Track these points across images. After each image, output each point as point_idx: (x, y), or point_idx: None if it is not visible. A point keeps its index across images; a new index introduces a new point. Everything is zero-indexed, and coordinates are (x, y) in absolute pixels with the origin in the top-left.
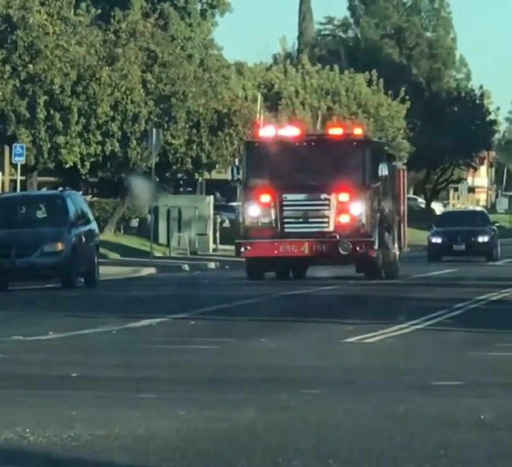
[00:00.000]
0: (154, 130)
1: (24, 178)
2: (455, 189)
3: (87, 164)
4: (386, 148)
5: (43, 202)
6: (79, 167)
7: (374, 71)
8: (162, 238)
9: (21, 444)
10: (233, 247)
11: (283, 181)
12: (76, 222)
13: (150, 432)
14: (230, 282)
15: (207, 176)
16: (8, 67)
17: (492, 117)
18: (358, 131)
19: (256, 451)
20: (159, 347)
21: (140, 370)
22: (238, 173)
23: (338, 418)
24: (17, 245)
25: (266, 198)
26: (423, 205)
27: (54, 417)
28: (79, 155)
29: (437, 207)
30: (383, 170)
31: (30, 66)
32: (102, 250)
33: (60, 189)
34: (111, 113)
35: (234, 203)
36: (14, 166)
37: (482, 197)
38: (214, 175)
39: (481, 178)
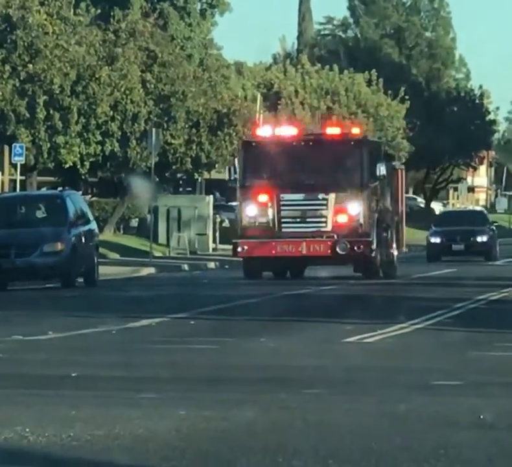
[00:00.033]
0: (154, 129)
1: (23, 177)
2: (455, 189)
3: (87, 164)
4: (384, 147)
5: (42, 202)
6: (78, 166)
7: (373, 70)
8: (161, 238)
9: (20, 444)
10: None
11: (280, 180)
12: (75, 222)
13: (149, 431)
14: (229, 282)
15: (206, 175)
16: (7, 67)
17: (491, 116)
18: (355, 130)
19: (256, 451)
20: (159, 347)
21: (140, 370)
22: (235, 173)
23: (338, 417)
24: (17, 245)
25: (263, 197)
26: (423, 205)
27: (53, 417)
28: (78, 155)
29: (437, 207)
30: (381, 169)
31: (30, 66)
32: (101, 250)
33: (60, 188)
34: (111, 113)
35: (233, 203)
36: (14, 166)
37: (482, 197)
38: (214, 175)
39: (481, 177)
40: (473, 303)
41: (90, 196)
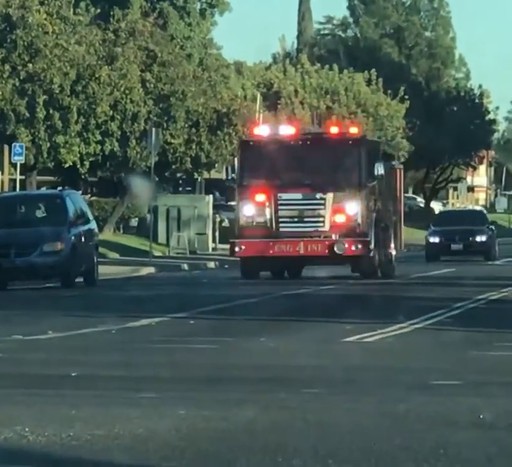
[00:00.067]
0: (153, 129)
1: (23, 177)
2: (455, 189)
3: (87, 163)
4: (383, 147)
5: (42, 202)
6: (78, 166)
7: (373, 70)
8: (161, 237)
9: (20, 443)
10: None
11: (278, 180)
12: (75, 221)
13: (149, 431)
14: (229, 281)
15: (206, 175)
16: (7, 67)
17: (491, 116)
18: (354, 130)
19: (256, 451)
20: (159, 347)
21: (140, 370)
22: (233, 172)
23: (338, 417)
24: (17, 244)
25: (261, 197)
26: (422, 205)
27: (53, 416)
28: (78, 155)
29: (437, 207)
30: (379, 169)
31: (30, 65)
32: (101, 250)
33: (59, 188)
34: (111, 112)
35: (233, 203)
36: (13, 165)
37: (481, 196)
38: (214, 174)
39: (481, 177)
40: (472, 303)
41: (90, 195)
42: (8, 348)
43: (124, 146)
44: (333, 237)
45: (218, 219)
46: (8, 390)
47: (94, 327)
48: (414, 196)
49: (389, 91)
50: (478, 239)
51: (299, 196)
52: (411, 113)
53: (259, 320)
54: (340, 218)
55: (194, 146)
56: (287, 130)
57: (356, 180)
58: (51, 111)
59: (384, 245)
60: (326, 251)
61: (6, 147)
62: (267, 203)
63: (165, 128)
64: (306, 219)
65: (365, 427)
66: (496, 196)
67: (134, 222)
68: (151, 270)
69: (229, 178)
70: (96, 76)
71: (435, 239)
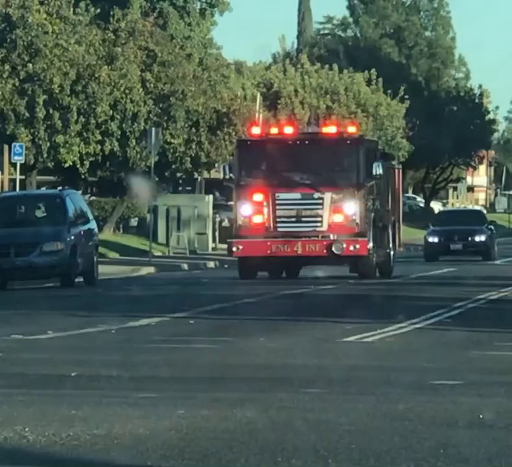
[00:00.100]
0: (153, 129)
1: (23, 177)
2: (455, 188)
3: (87, 163)
4: (380, 146)
5: (42, 201)
6: (78, 166)
7: (373, 70)
8: (161, 237)
9: (20, 443)
10: None
11: (276, 179)
12: (75, 221)
13: (149, 431)
14: (229, 281)
15: (206, 175)
16: (7, 66)
17: (491, 116)
18: (351, 129)
19: (255, 450)
20: (158, 347)
21: (140, 369)
22: (230, 171)
23: (337, 417)
24: (17, 244)
25: (258, 196)
26: (422, 205)
27: (53, 416)
28: (78, 155)
29: (436, 207)
30: (377, 169)
31: (30, 65)
32: (101, 249)
33: (59, 188)
34: (111, 112)
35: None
36: (13, 165)
37: (481, 196)
38: (214, 174)
39: (480, 177)
40: (473, 303)
41: (89, 195)
42: (8, 348)
43: (124, 146)
44: (331, 236)
45: (218, 219)
46: (8, 390)
47: (94, 327)
48: (414, 196)
49: (389, 91)
50: (477, 238)
51: (296, 195)
52: (411, 113)
53: (259, 320)
54: (338, 218)
55: (194, 146)
56: (285, 130)
57: (354, 180)
58: (51, 111)
59: (382, 245)
60: (324, 251)
61: (6, 147)
62: (265, 203)
63: (165, 128)
64: (304, 219)
65: (365, 426)
66: (496, 196)
67: (134, 221)
68: (151, 269)
69: (227, 177)
70: (96, 76)
71: (434, 239)
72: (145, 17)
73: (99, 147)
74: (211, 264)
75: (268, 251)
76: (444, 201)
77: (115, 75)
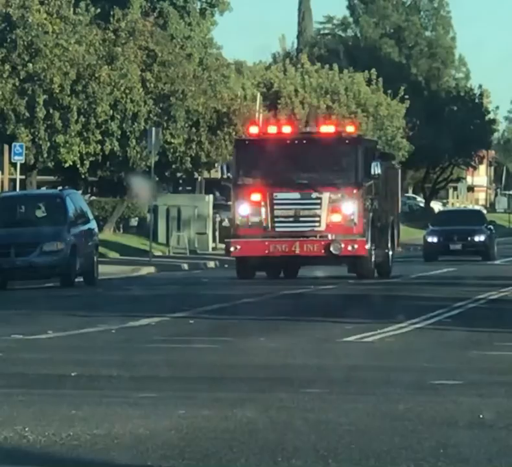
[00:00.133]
0: (153, 129)
1: (23, 177)
2: (455, 188)
3: (87, 163)
4: (378, 146)
5: (42, 201)
6: (78, 166)
7: (373, 70)
8: (161, 237)
9: (20, 443)
10: None
11: (274, 179)
12: (75, 221)
13: (149, 431)
14: (229, 281)
15: (206, 175)
16: (7, 66)
17: (491, 116)
18: (350, 128)
19: (256, 450)
20: (158, 346)
21: (140, 369)
22: (228, 171)
23: (337, 416)
24: (17, 244)
25: (256, 196)
26: (422, 205)
27: (53, 416)
28: (78, 155)
29: (436, 206)
30: (375, 168)
31: (30, 65)
32: (101, 249)
33: (59, 188)
34: (111, 112)
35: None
36: (14, 165)
37: (481, 196)
38: (214, 174)
39: (481, 177)
40: (473, 303)
41: (90, 195)
42: (8, 348)
43: (124, 146)
44: (329, 236)
45: (218, 219)
46: (8, 390)
47: (94, 326)
48: (414, 195)
49: (389, 91)
50: (477, 238)
51: (294, 195)
52: (411, 113)
53: (259, 320)
54: (336, 218)
55: (194, 146)
56: (283, 129)
57: (353, 180)
58: (51, 111)
59: (380, 245)
60: (323, 251)
61: (6, 147)
62: (263, 203)
63: (165, 128)
64: (302, 219)
65: (365, 426)
66: (496, 195)
67: (134, 221)
68: (151, 269)
69: (225, 176)
70: (96, 75)
71: (433, 239)
72: (145, 17)
73: (99, 147)
74: (211, 264)
75: (266, 251)
76: (444, 201)
77: (115, 75)
